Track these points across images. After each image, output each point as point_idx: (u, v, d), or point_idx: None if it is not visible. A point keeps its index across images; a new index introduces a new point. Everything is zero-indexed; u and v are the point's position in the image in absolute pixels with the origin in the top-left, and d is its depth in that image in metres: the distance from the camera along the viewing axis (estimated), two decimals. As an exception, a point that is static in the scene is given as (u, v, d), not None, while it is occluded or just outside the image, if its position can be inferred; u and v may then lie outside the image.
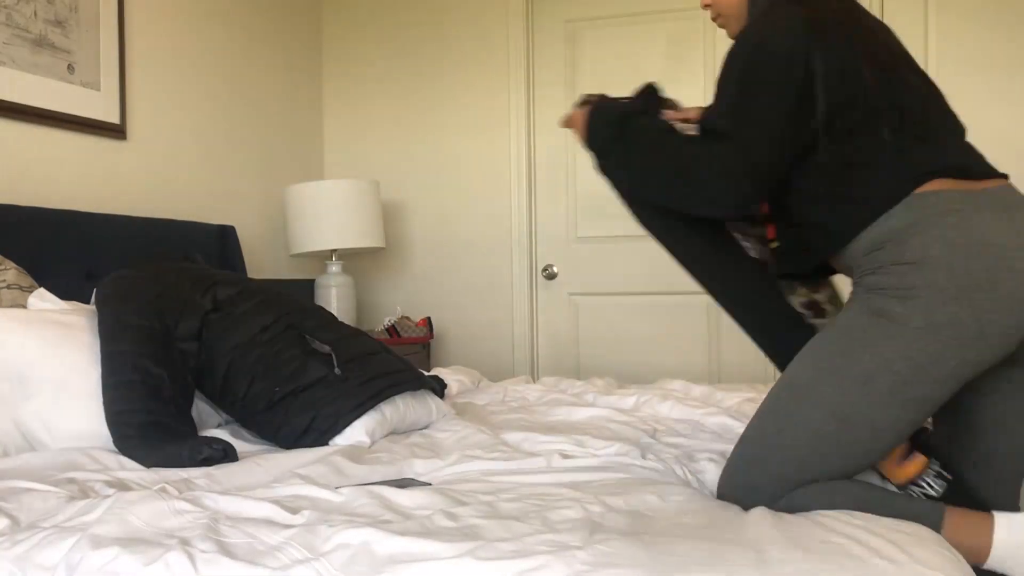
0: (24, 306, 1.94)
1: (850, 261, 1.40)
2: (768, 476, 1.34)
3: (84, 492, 1.40)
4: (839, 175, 1.39)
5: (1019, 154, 3.07)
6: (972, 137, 3.06)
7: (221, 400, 1.92)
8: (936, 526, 1.26)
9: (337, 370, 1.88)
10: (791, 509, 1.30)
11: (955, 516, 1.28)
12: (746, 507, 1.32)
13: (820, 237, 1.42)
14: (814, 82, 1.35)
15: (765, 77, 1.36)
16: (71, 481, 1.45)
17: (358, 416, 1.82)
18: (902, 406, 1.29)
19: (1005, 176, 1.40)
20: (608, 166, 1.53)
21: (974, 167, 1.37)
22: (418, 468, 1.60)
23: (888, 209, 1.33)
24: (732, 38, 1.54)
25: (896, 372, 1.27)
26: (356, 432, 1.80)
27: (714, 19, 1.60)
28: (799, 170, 1.42)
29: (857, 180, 1.37)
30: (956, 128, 1.46)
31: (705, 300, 3.34)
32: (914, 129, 1.38)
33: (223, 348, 1.89)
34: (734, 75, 1.40)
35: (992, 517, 1.27)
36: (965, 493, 1.42)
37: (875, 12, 3.17)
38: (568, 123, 1.64)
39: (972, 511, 1.29)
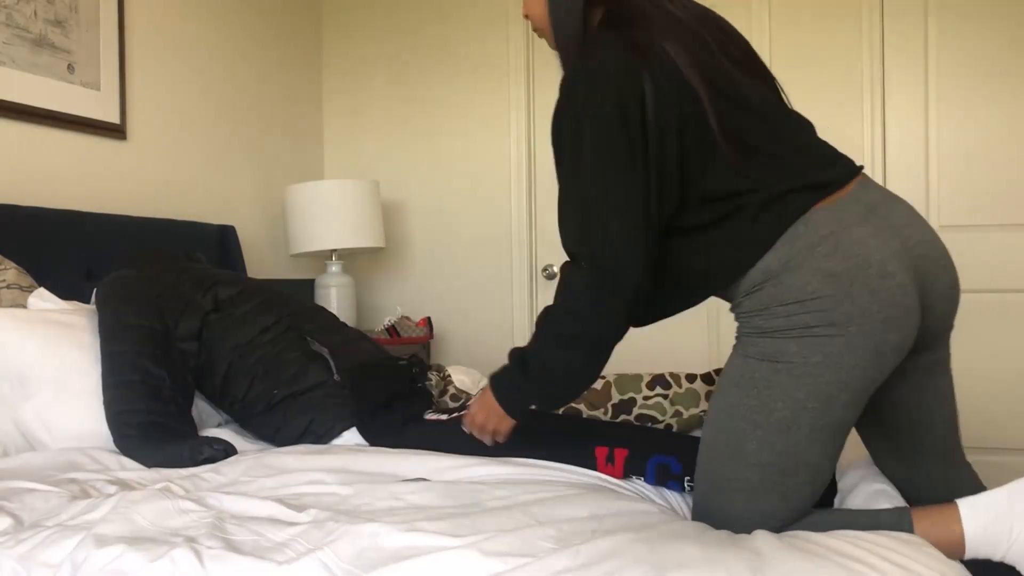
0: (24, 306, 1.93)
1: (729, 296, 1.37)
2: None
3: (86, 492, 1.40)
4: (702, 229, 1.34)
5: (1019, 154, 3.07)
6: (971, 137, 3.08)
7: (220, 400, 1.92)
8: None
9: (336, 376, 1.88)
10: None
11: (923, 519, 1.26)
12: None
13: (697, 284, 1.36)
14: (647, 133, 1.28)
15: (606, 158, 1.27)
16: (72, 481, 1.45)
17: (354, 424, 1.82)
18: (827, 437, 1.29)
19: (861, 167, 1.38)
20: (544, 400, 1.45)
21: (834, 179, 1.34)
22: (422, 468, 1.60)
23: (762, 255, 1.30)
24: (552, 48, 1.45)
25: (812, 410, 1.27)
26: (354, 435, 1.81)
27: (535, 30, 1.51)
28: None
29: (723, 230, 1.33)
30: (805, 130, 1.41)
31: (705, 300, 3.34)
32: (764, 156, 1.33)
33: (223, 348, 1.89)
34: (569, 155, 1.31)
35: (956, 507, 1.25)
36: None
37: (875, 13, 3.17)
38: (474, 425, 1.51)
39: (936, 507, 1.28)
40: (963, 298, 3.15)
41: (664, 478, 1.49)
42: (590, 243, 1.31)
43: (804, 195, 1.31)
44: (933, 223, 3.16)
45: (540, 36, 1.51)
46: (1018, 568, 1.22)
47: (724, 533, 1.22)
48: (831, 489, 1.47)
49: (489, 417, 1.48)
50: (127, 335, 1.78)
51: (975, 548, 1.23)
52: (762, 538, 1.15)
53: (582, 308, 1.32)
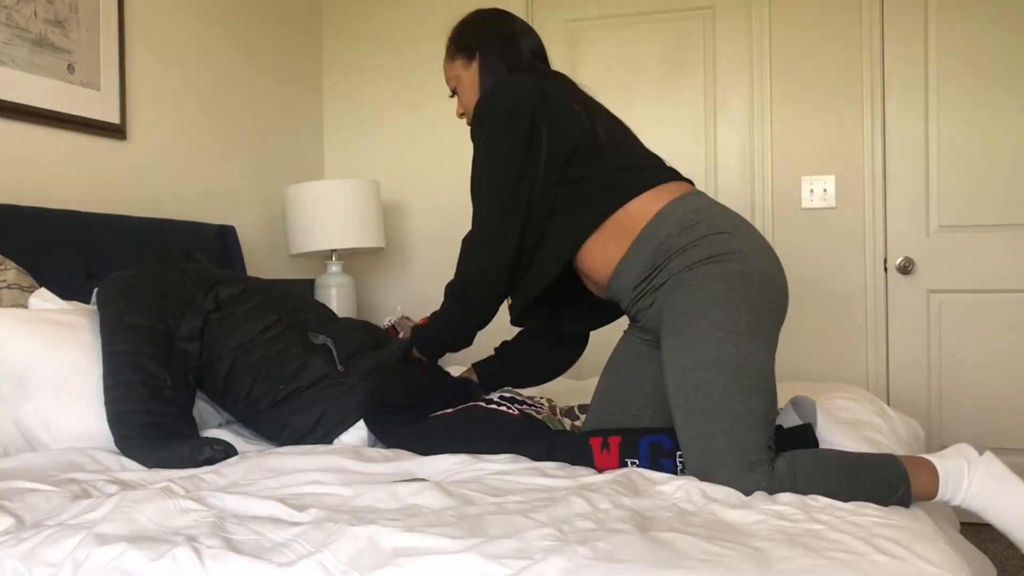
0: (25, 306, 1.93)
1: (660, 242, 1.56)
2: (725, 457, 1.43)
3: (86, 492, 1.40)
4: (588, 177, 1.65)
5: (1019, 154, 3.07)
6: (971, 137, 3.09)
7: (223, 400, 1.92)
8: (905, 478, 1.41)
9: (340, 367, 1.88)
10: (793, 483, 1.39)
11: (910, 465, 1.43)
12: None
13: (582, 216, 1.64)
14: (540, 136, 1.63)
15: (501, 148, 1.65)
16: (73, 481, 1.45)
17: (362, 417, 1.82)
18: (774, 347, 1.53)
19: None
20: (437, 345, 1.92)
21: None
22: (422, 469, 1.60)
23: (645, 191, 1.61)
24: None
25: (766, 315, 1.51)
26: (360, 430, 1.81)
27: (469, 123, 1.76)
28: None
29: (609, 177, 1.65)
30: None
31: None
32: (631, 159, 1.68)
33: (225, 348, 1.89)
34: (476, 144, 1.69)
35: (928, 460, 1.44)
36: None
37: (875, 13, 3.18)
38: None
39: (914, 457, 1.47)
40: (962, 298, 3.15)
41: (657, 455, 1.56)
42: (480, 213, 1.67)
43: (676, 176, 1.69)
44: (933, 223, 3.17)
45: (469, 124, 1.76)
46: (974, 511, 1.42)
47: (727, 527, 1.21)
48: (812, 441, 1.62)
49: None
50: (129, 335, 1.78)
51: (942, 493, 1.42)
52: (768, 534, 1.15)
53: (470, 267, 1.70)
